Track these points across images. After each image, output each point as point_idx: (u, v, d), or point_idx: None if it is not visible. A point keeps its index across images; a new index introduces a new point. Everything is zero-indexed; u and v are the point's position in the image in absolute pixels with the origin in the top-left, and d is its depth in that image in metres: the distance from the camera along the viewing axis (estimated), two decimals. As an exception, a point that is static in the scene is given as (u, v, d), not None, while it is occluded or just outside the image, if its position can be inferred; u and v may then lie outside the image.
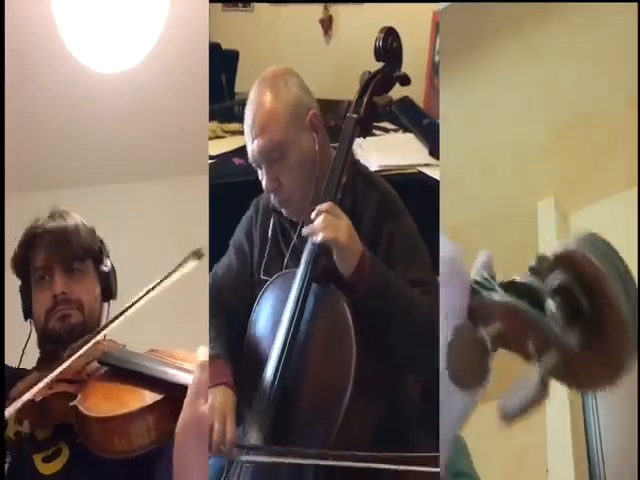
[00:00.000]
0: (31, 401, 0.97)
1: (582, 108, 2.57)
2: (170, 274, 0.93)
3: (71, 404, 0.96)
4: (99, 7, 1.66)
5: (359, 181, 1.29)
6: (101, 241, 1.32)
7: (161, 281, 0.94)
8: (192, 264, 0.93)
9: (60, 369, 0.91)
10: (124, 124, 2.32)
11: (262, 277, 1.31)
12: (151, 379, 0.96)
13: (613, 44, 2.34)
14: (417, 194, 1.45)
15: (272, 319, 1.20)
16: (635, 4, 2.09)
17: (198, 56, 1.99)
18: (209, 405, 1.08)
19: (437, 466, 0.87)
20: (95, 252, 1.28)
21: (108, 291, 1.29)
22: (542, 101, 2.61)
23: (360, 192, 1.28)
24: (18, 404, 0.86)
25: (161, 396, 0.91)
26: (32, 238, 1.25)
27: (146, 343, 1.11)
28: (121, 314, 0.97)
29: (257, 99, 1.25)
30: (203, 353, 0.83)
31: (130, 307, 0.96)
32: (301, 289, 1.13)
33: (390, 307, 1.12)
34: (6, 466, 1.04)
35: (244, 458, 1.10)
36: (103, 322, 1.26)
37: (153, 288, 0.94)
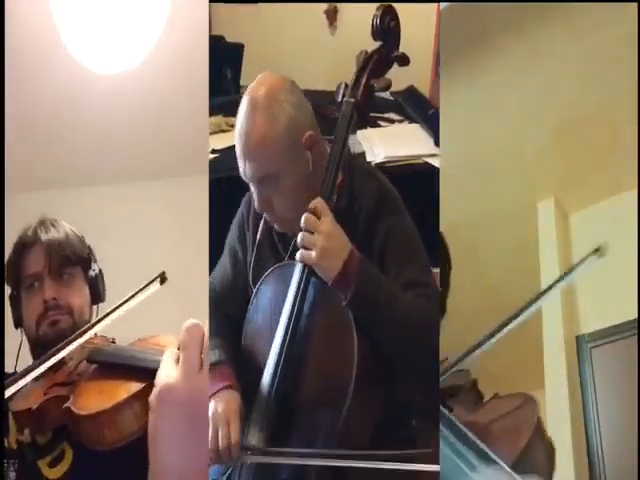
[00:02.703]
0: (28, 410, 1.00)
1: (582, 108, 2.57)
2: (132, 296, 0.97)
3: (64, 406, 0.98)
4: (99, 7, 1.67)
5: (357, 176, 1.26)
6: (89, 247, 1.34)
7: (123, 303, 0.97)
8: (155, 288, 0.96)
9: (46, 366, 0.94)
10: (124, 124, 2.32)
11: (252, 285, 1.29)
12: (136, 369, 0.98)
13: (613, 44, 2.34)
14: (422, 185, 1.44)
15: (271, 312, 1.19)
16: (635, 4, 2.09)
17: (198, 56, 1.99)
18: (212, 411, 1.07)
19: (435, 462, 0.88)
20: (84, 258, 1.31)
21: (97, 295, 1.32)
22: (542, 101, 2.61)
23: (358, 187, 1.25)
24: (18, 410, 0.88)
25: (144, 384, 0.94)
26: (23, 247, 1.27)
27: (136, 332, 1.12)
28: (96, 323, 1.00)
29: (248, 122, 1.17)
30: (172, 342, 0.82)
31: (95, 323, 1.00)
32: (301, 280, 1.12)
33: (379, 312, 1.10)
34: (12, 475, 1.05)
35: (246, 458, 1.10)
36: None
37: (116, 308, 0.97)
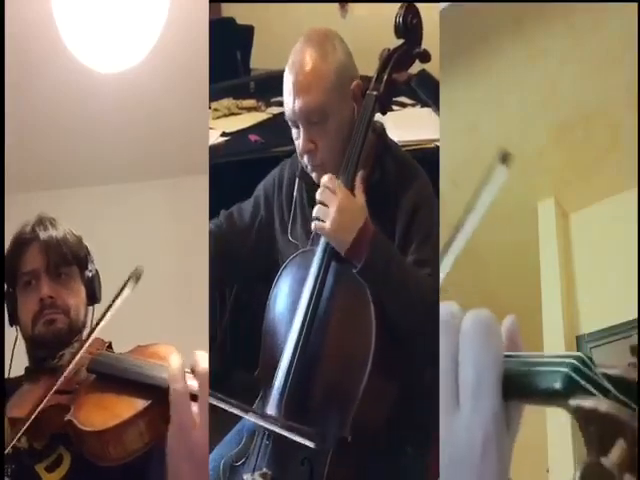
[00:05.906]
0: (26, 418, 0.98)
1: (582, 108, 2.57)
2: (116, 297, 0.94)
3: (66, 418, 0.97)
4: (99, 7, 1.66)
5: (389, 159, 1.27)
6: (86, 248, 1.33)
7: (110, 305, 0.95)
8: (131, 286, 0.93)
9: (58, 384, 0.93)
10: (124, 124, 2.32)
11: (291, 239, 1.31)
12: (139, 384, 0.97)
13: (613, 44, 2.34)
14: (435, 168, 1.44)
15: (291, 298, 1.21)
16: (635, 4, 2.09)
17: (198, 56, 1.99)
18: None
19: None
20: (81, 259, 1.29)
21: (93, 295, 1.31)
22: (542, 101, 2.61)
23: (390, 168, 1.26)
24: (24, 426, 0.89)
25: (149, 401, 0.93)
26: (21, 244, 1.25)
27: (134, 339, 1.11)
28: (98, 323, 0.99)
29: (302, 56, 1.21)
30: (175, 361, 0.82)
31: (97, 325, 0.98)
32: (321, 266, 1.14)
33: (391, 283, 1.12)
34: None
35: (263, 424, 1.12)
36: (88, 325, 1.27)
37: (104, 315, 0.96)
